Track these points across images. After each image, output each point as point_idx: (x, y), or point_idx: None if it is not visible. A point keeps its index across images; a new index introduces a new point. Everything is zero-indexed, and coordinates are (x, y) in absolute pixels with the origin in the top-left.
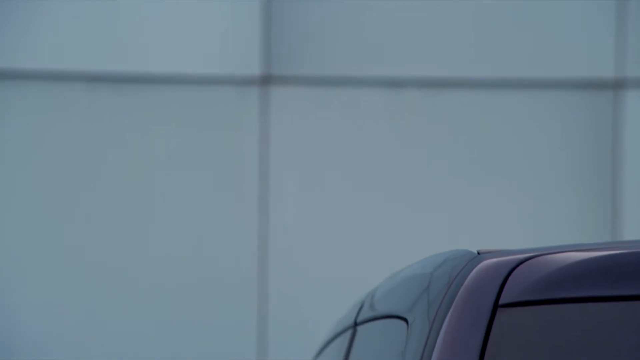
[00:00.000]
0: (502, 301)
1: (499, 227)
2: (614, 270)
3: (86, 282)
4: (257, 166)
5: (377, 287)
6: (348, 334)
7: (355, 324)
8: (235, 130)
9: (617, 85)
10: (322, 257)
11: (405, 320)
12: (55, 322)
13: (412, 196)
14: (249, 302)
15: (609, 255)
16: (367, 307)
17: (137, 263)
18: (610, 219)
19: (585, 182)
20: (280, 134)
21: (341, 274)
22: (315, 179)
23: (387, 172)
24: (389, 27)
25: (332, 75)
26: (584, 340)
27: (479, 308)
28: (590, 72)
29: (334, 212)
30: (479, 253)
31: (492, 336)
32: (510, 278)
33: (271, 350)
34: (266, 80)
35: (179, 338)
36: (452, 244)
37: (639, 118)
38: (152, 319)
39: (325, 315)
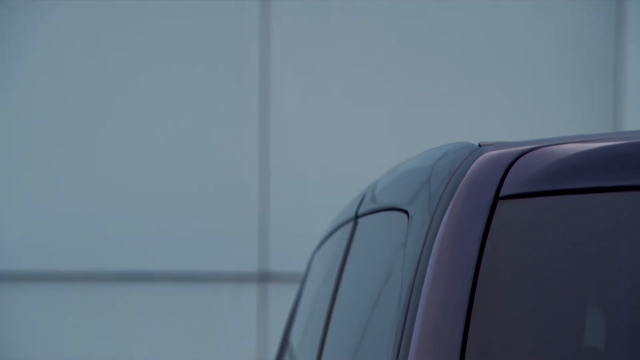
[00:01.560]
0: (503, 193)
1: (500, 121)
2: (615, 161)
3: (89, 191)
4: (257, 65)
5: (378, 180)
6: (349, 226)
7: (356, 217)
8: (236, 32)
9: None
10: (324, 151)
11: (406, 212)
12: (56, 220)
13: (414, 90)
14: (251, 198)
15: (611, 146)
16: (368, 199)
17: (137, 166)
18: (612, 112)
19: (587, 78)
20: (282, 34)
21: (342, 167)
22: (316, 75)
23: (389, 67)
24: None
25: None
26: (584, 231)
27: (480, 200)
28: None
29: (334, 107)
30: (480, 145)
31: (493, 228)
32: (512, 170)
33: (272, 244)
34: None
35: (180, 241)
36: (454, 136)
37: None
38: (155, 221)
39: (326, 209)
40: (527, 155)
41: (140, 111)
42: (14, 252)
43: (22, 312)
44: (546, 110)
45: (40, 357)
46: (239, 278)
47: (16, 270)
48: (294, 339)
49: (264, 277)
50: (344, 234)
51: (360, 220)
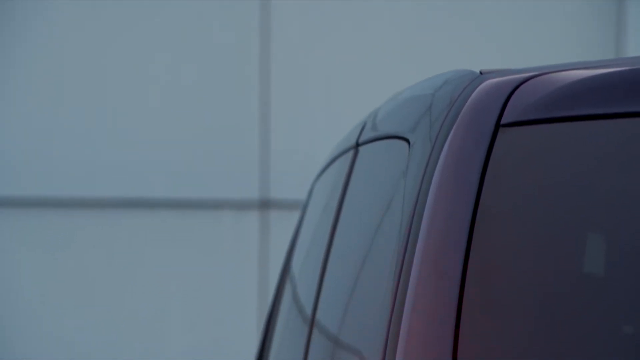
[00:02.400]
0: (504, 120)
1: (501, 49)
2: (617, 88)
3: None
4: None
5: (379, 108)
6: (350, 154)
7: (357, 145)
8: None
9: None
10: (326, 78)
11: (407, 140)
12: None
13: (416, 18)
14: (252, 126)
15: (612, 73)
16: (369, 127)
17: (139, 94)
18: (615, 37)
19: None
20: None
21: (344, 95)
22: (318, 2)
23: None
24: None
25: None
26: (586, 158)
27: (481, 128)
28: None
29: (336, 33)
30: (481, 73)
31: (494, 155)
32: (513, 97)
33: (273, 171)
34: None
35: (181, 168)
36: (455, 64)
37: None
38: (156, 148)
39: (327, 137)
40: (528, 82)
41: (142, 38)
42: (16, 178)
43: (23, 237)
44: (548, 34)
45: (40, 284)
46: (240, 205)
47: (17, 196)
48: (295, 266)
49: (265, 205)
50: (345, 162)
51: (361, 149)
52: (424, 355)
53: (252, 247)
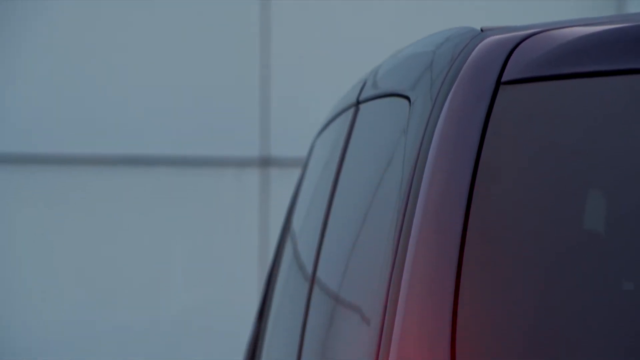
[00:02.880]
0: (505, 78)
1: (501, 7)
2: (618, 44)
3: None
4: None
5: (380, 66)
6: (350, 112)
7: (358, 102)
8: None
9: None
10: (327, 35)
11: (408, 98)
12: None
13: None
14: (252, 82)
15: (614, 29)
16: (369, 85)
17: (140, 51)
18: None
19: None
20: None
21: (345, 52)
22: None
23: None
24: None
25: None
26: (587, 116)
27: (482, 85)
28: None
29: None
30: (482, 30)
31: (495, 113)
32: (514, 55)
33: (274, 128)
34: None
35: (182, 125)
36: (456, 22)
37: None
38: (157, 106)
39: (328, 94)
40: (529, 39)
41: None
42: (16, 135)
43: (22, 195)
44: None
45: (40, 241)
46: (241, 163)
47: (17, 152)
48: (296, 223)
49: (266, 162)
50: (345, 119)
51: (361, 106)
52: (424, 310)
53: (252, 204)
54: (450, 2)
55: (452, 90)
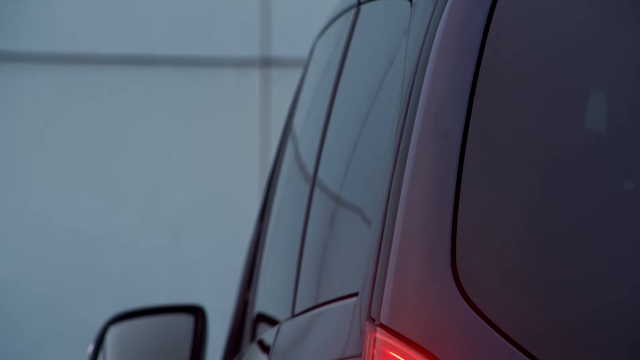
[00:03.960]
0: None
1: None
2: None
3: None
4: None
5: None
6: (352, 12)
7: (359, 3)
8: None
9: None
10: None
11: None
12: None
13: None
14: None
15: None
16: None
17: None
18: None
19: None
20: None
21: None
22: None
23: None
24: None
25: None
26: (587, 13)
27: None
28: None
29: None
30: None
31: (496, 13)
32: None
33: (275, 28)
34: None
35: (182, 25)
36: None
37: None
38: (157, 5)
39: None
40: None
41: None
42: (16, 34)
43: (23, 93)
44: None
45: (41, 140)
46: (241, 63)
47: (17, 51)
48: (298, 124)
49: (267, 63)
50: (346, 20)
51: (363, 7)
52: (425, 215)
53: (253, 105)
54: None
55: None
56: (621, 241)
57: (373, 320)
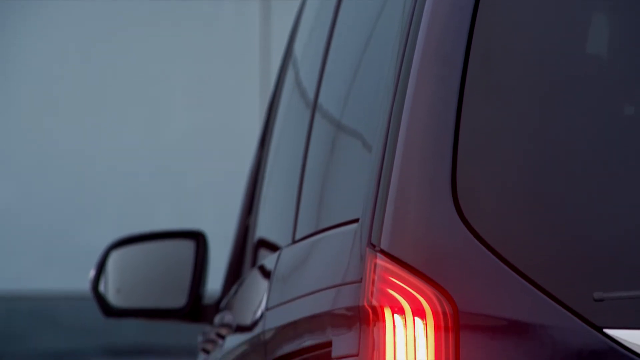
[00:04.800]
0: None
1: None
2: None
3: None
4: None
5: None
6: None
7: None
8: None
9: None
10: None
11: None
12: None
13: None
14: None
15: None
16: None
17: None
18: None
19: None
20: None
21: None
22: None
23: None
24: None
25: None
26: None
27: None
28: None
29: None
30: None
31: None
32: None
33: None
34: None
35: None
36: None
37: None
38: None
39: None
40: None
41: None
42: None
43: (25, 21)
44: None
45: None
46: None
47: None
48: (298, 51)
49: None
50: None
51: None
52: (425, 142)
53: (253, 34)
54: None
55: None
56: (622, 166)
57: (373, 246)
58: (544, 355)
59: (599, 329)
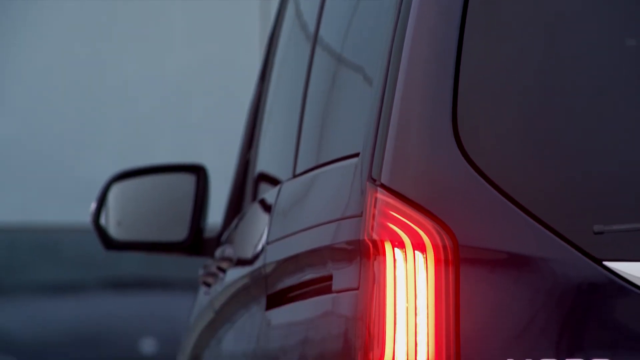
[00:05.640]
0: None
1: None
2: None
3: None
4: None
5: None
6: None
7: None
8: None
9: None
10: None
11: None
12: None
13: None
14: None
15: None
16: None
17: None
18: None
19: None
20: None
21: None
22: None
23: None
24: None
25: None
26: None
27: None
28: None
29: None
30: None
31: None
32: None
33: None
34: None
35: None
36: None
37: None
38: None
39: None
40: None
41: None
42: None
43: None
44: None
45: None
46: None
47: None
48: None
49: None
50: None
51: None
52: (426, 75)
53: None
54: None
55: None
56: (622, 99)
57: (374, 180)
58: (544, 288)
59: (599, 262)
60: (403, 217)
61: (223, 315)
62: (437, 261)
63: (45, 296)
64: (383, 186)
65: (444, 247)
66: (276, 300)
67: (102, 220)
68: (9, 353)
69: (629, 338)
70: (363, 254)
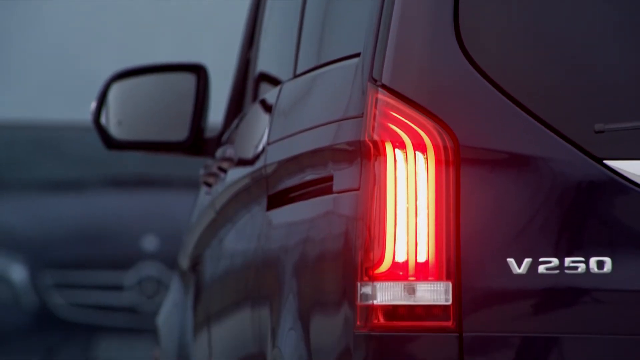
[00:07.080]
0: None
1: None
2: None
3: None
4: None
5: None
6: None
7: None
8: None
9: None
10: None
11: None
12: None
13: None
14: None
15: None
16: None
17: None
18: None
19: None
20: None
21: None
22: None
23: None
24: None
25: None
26: None
27: None
28: None
29: None
30: None
31: None
32: None
33: None
34: None
35: None
36: None
37: None
38: None
39: None
40: None
41: None
42: None
43: None
44: None
45: None
46: None
47: None
48: None
49: None
50: None
51: None
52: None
53: None
54: None
55: None
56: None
57: (375, 80)
58: (544, 187)
59: (599, 160)
60: (404, 117)
61: (224, 215)
62: (437, 161)
63: (47, 193)
64: (384, 86)
65: (445, 147)
66: (277, 200)
67: (103, 120)
68: (13, 248)
69: (629, 237)
70: (364, 154)
